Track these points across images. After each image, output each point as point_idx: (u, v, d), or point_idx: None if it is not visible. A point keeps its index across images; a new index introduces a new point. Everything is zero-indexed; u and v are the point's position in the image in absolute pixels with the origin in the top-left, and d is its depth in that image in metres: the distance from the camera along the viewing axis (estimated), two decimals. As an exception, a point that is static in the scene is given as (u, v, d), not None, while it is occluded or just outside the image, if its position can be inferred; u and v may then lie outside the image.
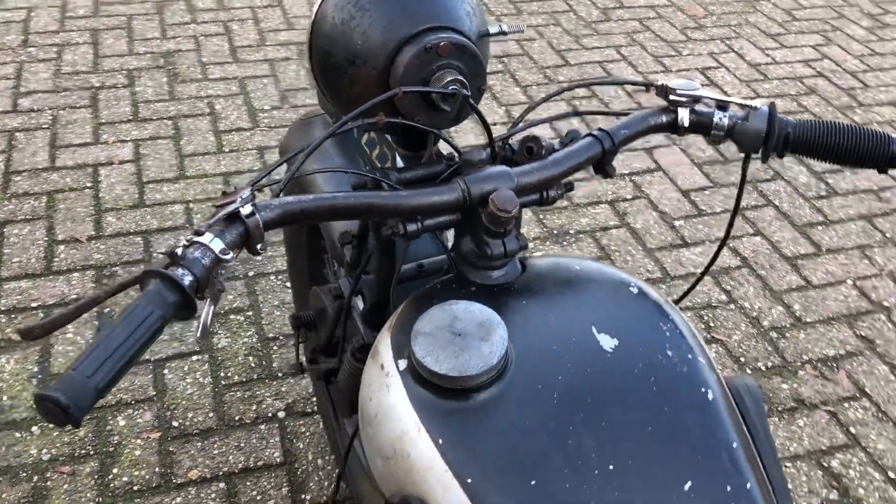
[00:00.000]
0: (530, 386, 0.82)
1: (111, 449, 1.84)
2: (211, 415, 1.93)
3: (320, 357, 1.51)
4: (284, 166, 1.41)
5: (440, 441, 0.79)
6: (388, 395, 0.83)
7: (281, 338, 2.14)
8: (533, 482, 0.76)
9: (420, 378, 0.82)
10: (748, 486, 0.79)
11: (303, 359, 1.85)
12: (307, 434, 1.92)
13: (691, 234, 2.55)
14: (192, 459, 1.84)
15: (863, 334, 2.24)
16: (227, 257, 0.77)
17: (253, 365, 2.06)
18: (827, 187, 2.78)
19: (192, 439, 1.88)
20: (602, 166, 0.96)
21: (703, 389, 0.84)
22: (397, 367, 0.84)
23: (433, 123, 0.95)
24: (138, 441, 1.86)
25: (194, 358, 2.07)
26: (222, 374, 2.03)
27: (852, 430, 1.99)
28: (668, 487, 0.77)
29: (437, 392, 0.81)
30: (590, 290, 0.92)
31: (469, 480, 0.77)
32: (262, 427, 1.92)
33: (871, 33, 3.74)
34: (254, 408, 1.96)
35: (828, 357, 2.18)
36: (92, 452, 1.83)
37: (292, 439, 1.90)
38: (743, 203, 2.67)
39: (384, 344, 0.88)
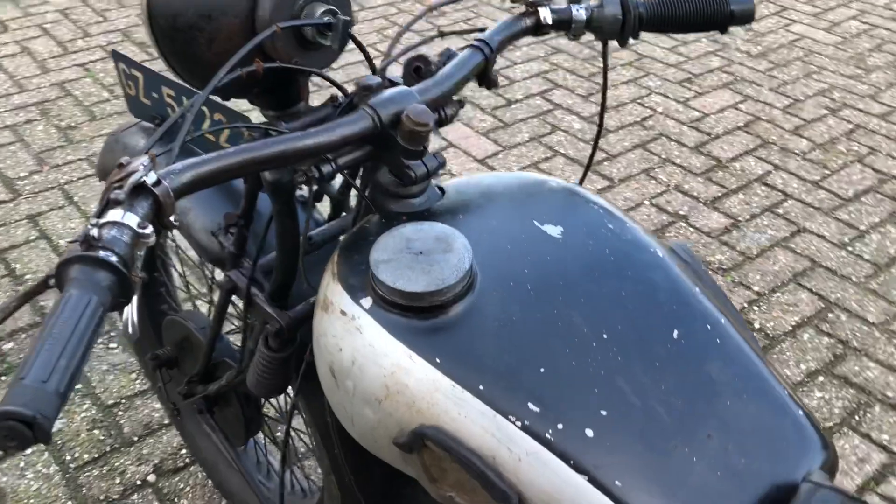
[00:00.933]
0: (503, 286, 0.79)
1: (-42, 579, 1.56)
2: (70, 503, 1.70)
3: (198, 388, 1.38)
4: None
5: (437, 360, 0.74)
6: (362, 337, 0.77)
7: (123, 401, 1.93)
8: (542, 370, 0.74)
9: (394, 306, 0.76)
10: (722, 321, 0.83)
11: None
12: (187, 488, 1.74)
13: (498, 197, 2.63)
14: (65, 556, 1.60)
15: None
16: (147, 232, 0.67)
17: (101, 437, 1.84)
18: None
19: (56, 536, 1.64)
20: (486, 75, 0.96)
21: (651, 249, 0.87)
22: (362, 306, 0.78)
23: (312, 64, 0.90)
24: (-10, 559, 1.59)
25: (28, 452, 1.80)
26: (69, 458, 1.79)
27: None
28: (659, 340, 0.78)
29: (415, 315, 0.76)
30: (513, 192, 0.91)
31: (481, 387, 0.73)
32: (135, 497, 1.72)
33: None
34: (117, 480, 1.75)
35: (652, 270, 2.34)
36: (-65, 590, 1.54)
37: (172, 498, 1.72)
38: (534, 158, 2.81)
39: (334, 292, 0.81)
